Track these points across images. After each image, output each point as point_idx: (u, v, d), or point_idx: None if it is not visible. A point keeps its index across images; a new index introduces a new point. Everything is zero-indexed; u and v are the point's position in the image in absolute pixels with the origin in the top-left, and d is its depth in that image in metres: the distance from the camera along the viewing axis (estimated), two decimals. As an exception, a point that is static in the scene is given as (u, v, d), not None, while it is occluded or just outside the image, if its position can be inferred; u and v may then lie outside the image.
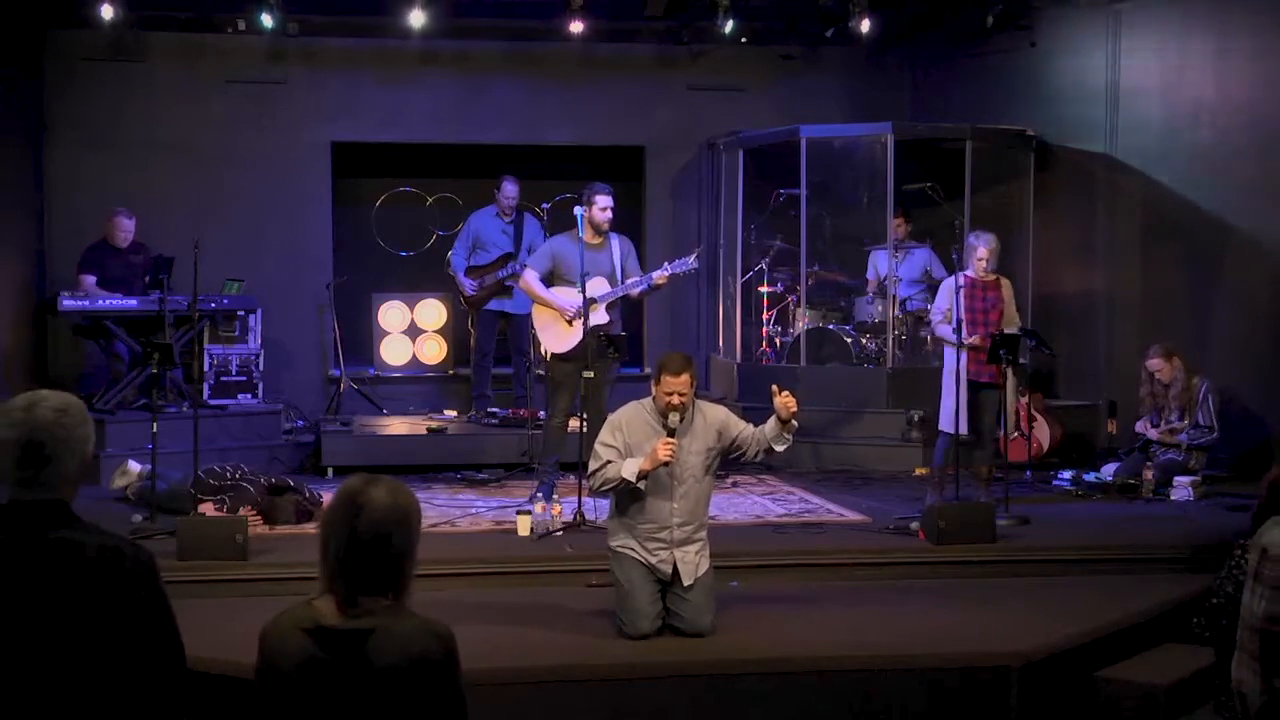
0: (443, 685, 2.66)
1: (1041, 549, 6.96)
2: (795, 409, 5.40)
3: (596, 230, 7.66)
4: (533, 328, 7.98)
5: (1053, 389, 10.23)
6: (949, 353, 7.66)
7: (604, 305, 7.65)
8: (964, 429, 7.46)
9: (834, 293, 10.76)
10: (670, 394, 5.34)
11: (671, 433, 5.32)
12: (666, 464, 5.29)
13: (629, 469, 5.30)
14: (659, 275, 7.64)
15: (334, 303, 10.65)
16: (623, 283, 7.69)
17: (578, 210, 7.62)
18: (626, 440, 5.41)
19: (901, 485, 8.72)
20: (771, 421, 5.47)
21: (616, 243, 7.77)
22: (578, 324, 7.55)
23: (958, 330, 7.38)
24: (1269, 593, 2.87)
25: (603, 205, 7.64)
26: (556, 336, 7.70)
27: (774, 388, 5.47)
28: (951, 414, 7.47)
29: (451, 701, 2.67)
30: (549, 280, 7.73)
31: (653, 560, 5.45)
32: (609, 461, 5.38)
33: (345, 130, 10.89)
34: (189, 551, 6.26)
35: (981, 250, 7.62)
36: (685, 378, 5.34)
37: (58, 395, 2.74)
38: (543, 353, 8.08)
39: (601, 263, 7.66)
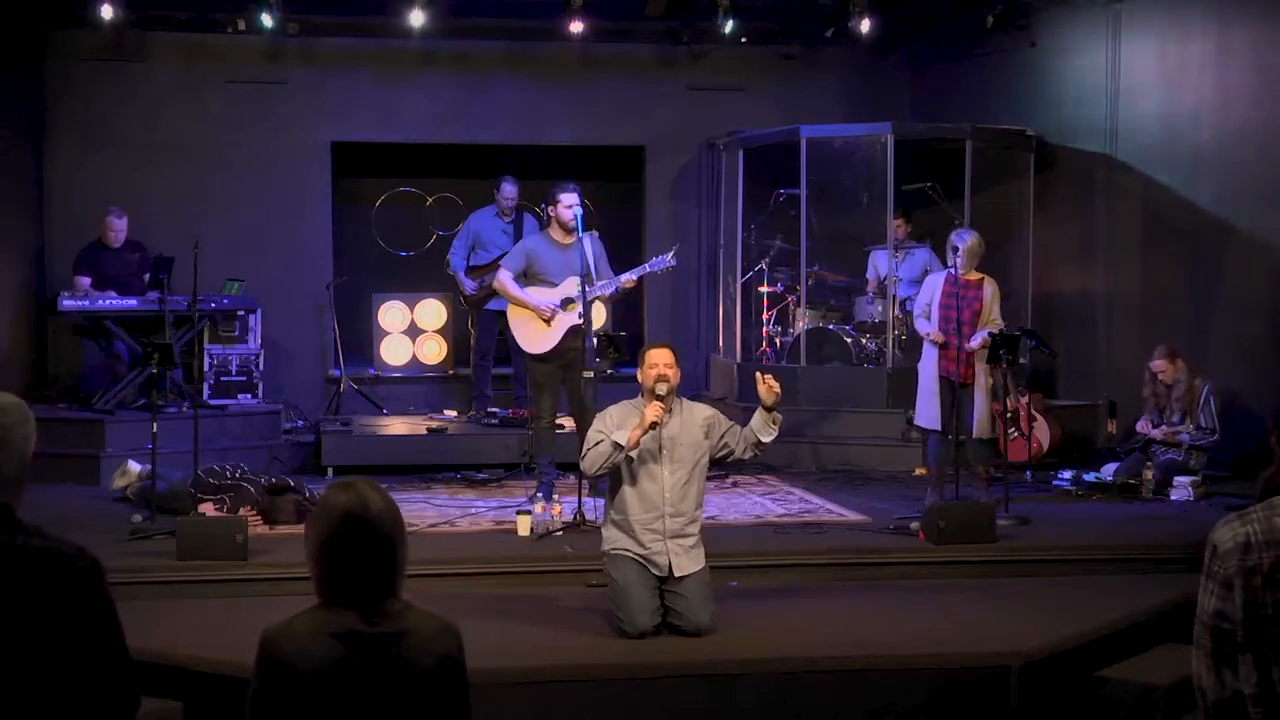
0: (460, 680, 2.72)
1: (1041, 549, 6.96)
2: (778, 393, 5.52)
3: (565, 229, 7.64)
4: (507, 327, 7.89)
5: (1053, 389, 10.22)
6: (927, 349, 7.77)
7: (581, 305, 7.62)
8: (936, 425, 7.61)
9: (834, 293, 10.76)
10: (654, 366, 5.52)
11: (659, 397, 5.45)
12: (655, 426, 5.41)
13: (619, 435, 5.42)
14: (626, 278, 7.58)
15: (334, 303, 10.65)
16: (595, 284, 7.66)
17: (573, 211, 7.60)
18: (616, 427, 5.50)
19: (901, 485, 8.71)
20: (757, 413, 5.58)
21: (589, 242, 7.68)
22: (555, 323, 7.55)
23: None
24: (1218, 589, 2.91)
25: (568, 204, 7.59)
26: (531, 336, 7.64)
27: (757, 374, 5.62)
28: (926, 410, 7.64)
29: (464, 695, 2.74)
30: (524, 280, 7.70)
31: (647, 553, 5.48)
32: (600, 441, 5.49)
33: (345, 130, 10.89)
34: (189, 551, 6.27)
35: (960, 248, 7.64)
36: (667, 351, 5.58)
37: None
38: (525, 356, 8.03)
39: (573, 262, 7.59)
